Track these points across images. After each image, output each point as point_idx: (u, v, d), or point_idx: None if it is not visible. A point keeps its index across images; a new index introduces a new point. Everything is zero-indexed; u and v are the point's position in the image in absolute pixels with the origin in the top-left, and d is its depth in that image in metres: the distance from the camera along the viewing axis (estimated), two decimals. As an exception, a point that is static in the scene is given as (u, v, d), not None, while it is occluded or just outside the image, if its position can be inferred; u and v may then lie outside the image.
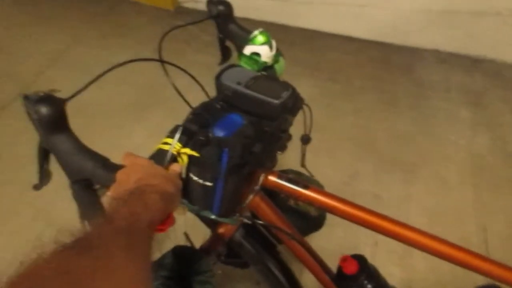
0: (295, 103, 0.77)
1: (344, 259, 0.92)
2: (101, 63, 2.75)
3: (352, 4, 2.88)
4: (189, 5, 3.32)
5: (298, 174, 1.05)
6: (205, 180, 0.70)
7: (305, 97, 0.87)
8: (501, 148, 2.18)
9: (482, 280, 0.92)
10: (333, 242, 1.76)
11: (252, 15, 3.12)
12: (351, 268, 0.91)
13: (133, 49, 2.80)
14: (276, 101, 0.73)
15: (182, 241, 1.05)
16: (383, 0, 2.80)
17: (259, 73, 0.81)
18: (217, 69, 0.93)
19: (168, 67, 0.80)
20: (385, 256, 1.72)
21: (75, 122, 0.70)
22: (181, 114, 0.78)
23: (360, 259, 0.92)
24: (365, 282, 0.89)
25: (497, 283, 0.83)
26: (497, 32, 2.66)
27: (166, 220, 0.57)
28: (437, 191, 1.96)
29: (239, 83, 0.75)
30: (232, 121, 0.71)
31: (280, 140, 0.79)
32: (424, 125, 2.33)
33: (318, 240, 1.74)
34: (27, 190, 1.89)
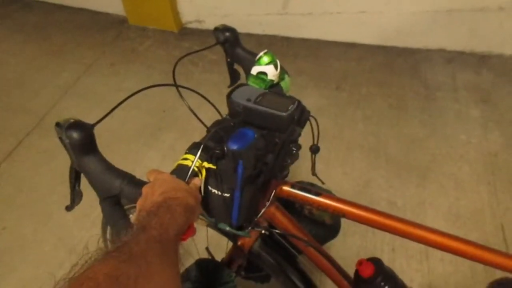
0: (301, 115, 0.80)
1: (360, 263, 0.93)
2: (112, 90, 2.85)
3: (351, 12, 2.92)
4: (193, 25, 3.40)
5: (311, 184, 1.07)
6: (223, 191, 0.74)
7: (313, 108, 0.90)
8: (514, 144, 2.18)
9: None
10: (351, 250, 1.77)
11: (255, 30, 3.19)
12: (367, 271, 0.92)
13: (142, 74, 2.87)
14: (284, 114, 0.76)
15: (205, 257, 1.08)
16: (382, 5, 2.83)
17: (266, 90, 0.85)
18: (225, 86, 0.97)
19: (181, 90, 0.84)
20: (403, 262, 1.72)
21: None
22: (192, 134, 0.82)
23: (376, 262, 0.94)
24: (382, 283, 0.90)
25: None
26: (501, 27, 2.67)
27: (187, 231, 0.60)
28: (452, 193, 1.96)
29: (248, 100, 0.79)
30: (245, 135, 0.74)
31: (290, 150, 0.81)
32: (434, 127, 2.33)
33: (337, 249, 1.76)
34: (48, 221, 1.96)
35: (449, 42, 2.87)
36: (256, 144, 0.74)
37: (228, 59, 1.04)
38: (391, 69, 2.80)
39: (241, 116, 0.80)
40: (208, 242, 1.22)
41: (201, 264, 0.92)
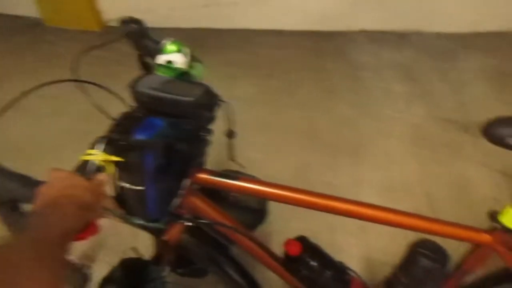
0: (210, 100, 0.78)
1: (287, 243, 0.94)
2: (34, 97, 2.67)
3: (276, -1, 2.95)
4: (115, 23, 3.27)
5: (236, 172, 1.06)
6: (135, 184, 0.71)
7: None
8: (436, 115, 2.29)
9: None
10: (291, 235, 1.78)
11: (183, 24, 3.13)
12: (295, 249, 0.93)
13: (65, 77, 2.72)
14: (190, 99, 0.73)
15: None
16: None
17: (171, 77, 0.82)
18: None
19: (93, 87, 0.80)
20: (342, 239, 1.75)
21: (18, 165, 0.70)
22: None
23: (302, 240, 0.95)
24: (309, 259, 0.91)
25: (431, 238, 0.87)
26: (419, 4, 2.81)
27: (87, 229, 0.57)
28: (383, 167, 2.03)
29: (153, 88, 0.76)
30: (152, 124, 0.71)
31: (201, 136, 0.79)
32: (362, 105, 2.41)
33: (278, 235, 1.76)
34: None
35: (371, 22, 2.98)
36: (164, 133, 0.71)
37: (138, 52, 1.00)
38: (318, 53, 2.86)
39: (148, 105, 0.77)
40: (137, 241, 1.17)
41: (126, 263, 0.88)
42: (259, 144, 2.18)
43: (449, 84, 2.49)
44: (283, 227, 1.80)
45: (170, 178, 0.74)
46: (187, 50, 0.89)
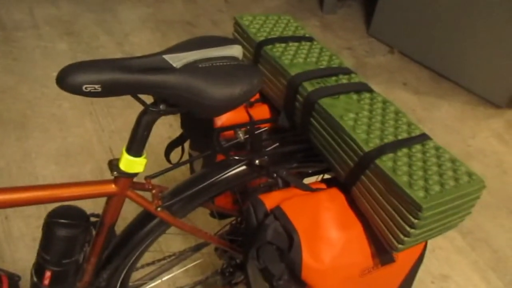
0: None
1: None
2: None
3: None
4: None
5: None
6: None
7: None
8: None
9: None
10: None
11: None
12: None
13: None
14: None
15: None
16: None
17: None
18: None
19: None
20: (22, 225, 1.53)
21: None
22: None
23: None
24: None
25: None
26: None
27: None
28: (58, 134, 1.86)
29: None
30: None
31: None
32: (22, 70, 2.11)
33: None
34: None
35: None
36: None
37: None
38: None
39: None
40: None
41: None
42: None
43: (113, 36, 2.46)
44: None
45: None
46: None
